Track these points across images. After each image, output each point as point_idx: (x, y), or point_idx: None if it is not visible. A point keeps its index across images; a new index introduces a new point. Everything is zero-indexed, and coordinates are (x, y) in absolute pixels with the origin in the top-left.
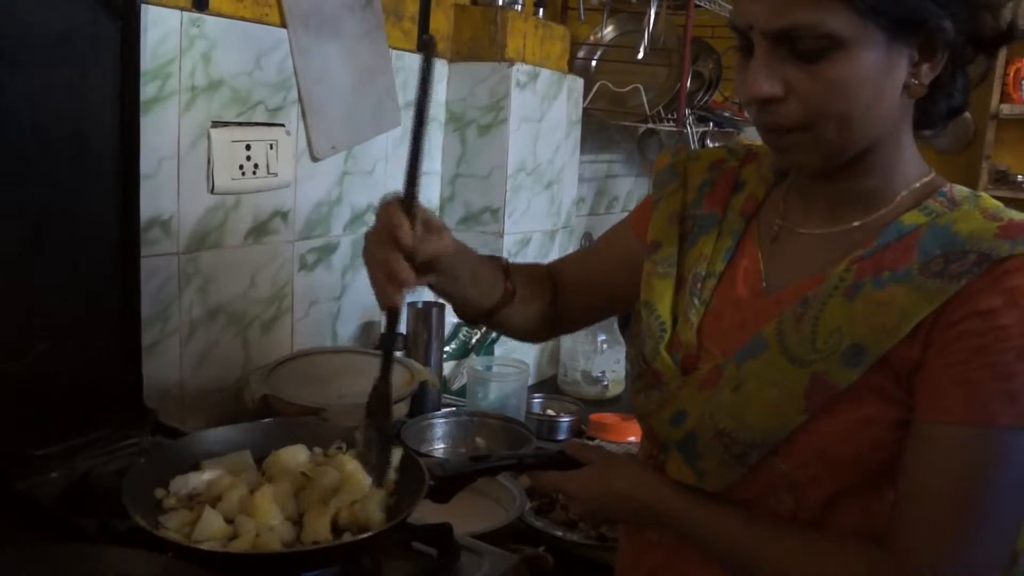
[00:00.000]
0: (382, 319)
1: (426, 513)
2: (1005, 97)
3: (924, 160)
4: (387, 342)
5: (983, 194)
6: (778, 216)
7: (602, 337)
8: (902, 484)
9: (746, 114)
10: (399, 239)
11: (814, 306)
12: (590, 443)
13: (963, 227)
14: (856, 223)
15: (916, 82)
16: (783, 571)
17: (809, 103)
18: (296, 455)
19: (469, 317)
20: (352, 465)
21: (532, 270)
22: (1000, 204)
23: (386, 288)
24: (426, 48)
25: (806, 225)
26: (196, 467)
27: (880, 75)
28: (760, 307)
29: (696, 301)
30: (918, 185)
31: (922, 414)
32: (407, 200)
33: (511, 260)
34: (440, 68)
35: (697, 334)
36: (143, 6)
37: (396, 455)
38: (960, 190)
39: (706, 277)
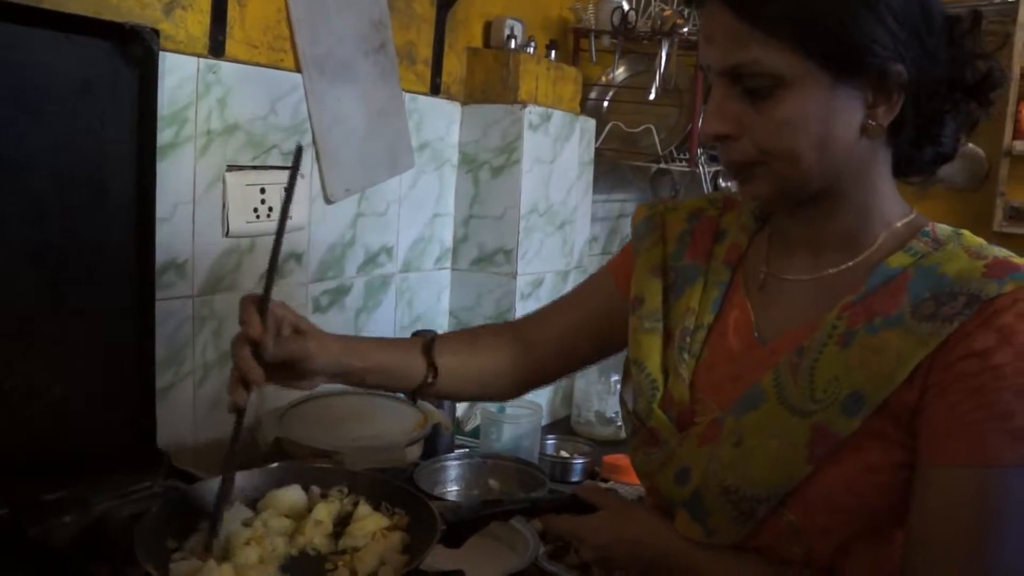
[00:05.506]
0: None
1: (438, 558)
2: (1017, 134)
3: (904, 200)
4: (233, 442)
5: (965, 231)
6: (763, 263)
7: (615, 377)
8: (911, 530)
9: None
10: (248, 336)
11: (810, 355)
12: (604, 486)
13: (950, 268)
14: (840, 266)
15: (873, 123)
16: None
17: (759, 141)
18: (291, 495)
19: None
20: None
21: (472, 337)
22: (983, 241)
23: (234, 388)
24: (296, 154)
25: (791, 271)
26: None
27: (827, 114)
28: (754, 358)
29: (686, 355)
30: (899, 225)
31: (926, 457)
32: (262, 299)
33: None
34: (453, 110)
35: (690, 388)
36: (161, 53)
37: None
38: (943, 229)
39: (695, 330)
